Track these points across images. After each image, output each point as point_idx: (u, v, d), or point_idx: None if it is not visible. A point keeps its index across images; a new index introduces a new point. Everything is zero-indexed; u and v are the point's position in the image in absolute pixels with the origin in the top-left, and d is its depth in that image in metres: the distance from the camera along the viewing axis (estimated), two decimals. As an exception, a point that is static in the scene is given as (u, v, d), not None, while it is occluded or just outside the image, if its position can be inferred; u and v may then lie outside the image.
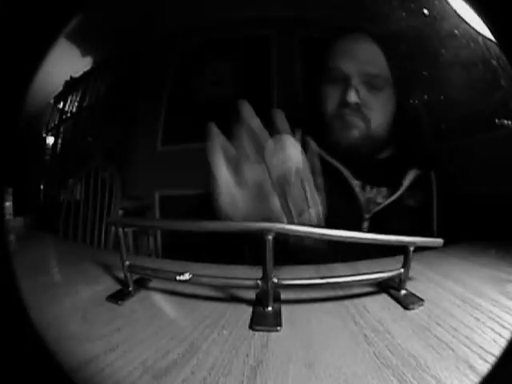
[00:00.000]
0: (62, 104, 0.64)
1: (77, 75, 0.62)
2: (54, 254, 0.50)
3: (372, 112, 0.52)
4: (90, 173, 0.66)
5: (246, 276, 0.28)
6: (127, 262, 0.30)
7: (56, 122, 0.65)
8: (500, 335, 0.22)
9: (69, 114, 0.65)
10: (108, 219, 0.31)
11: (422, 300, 0.28)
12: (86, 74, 0.63)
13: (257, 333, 0.24)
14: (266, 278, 0.26)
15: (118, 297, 0.30)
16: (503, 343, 0.21)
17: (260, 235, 0.25)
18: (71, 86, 0.63)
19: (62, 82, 0.61)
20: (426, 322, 0.25)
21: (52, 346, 0.21)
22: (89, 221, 0.63)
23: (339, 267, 0.37)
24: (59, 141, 0.66)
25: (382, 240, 0.28)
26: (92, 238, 0.64)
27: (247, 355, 0.21)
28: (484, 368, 0.19)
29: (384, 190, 0.54)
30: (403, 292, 0.29)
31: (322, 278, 0.28)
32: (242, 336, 0.24)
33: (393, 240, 0.28)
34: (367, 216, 0.52)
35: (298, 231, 0.27)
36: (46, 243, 0.55)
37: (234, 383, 0.19)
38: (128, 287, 0.31)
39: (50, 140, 0.65)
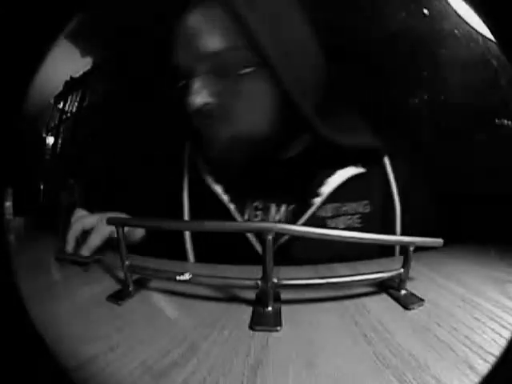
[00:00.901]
0: (62, 104, 0.64)
1: (77, 75, 0.62)
2: (53, 254, 0.50)
3: (235, 107, 0.35)
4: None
5: (245, 276, 0.28)
6: (127, 262, 0.30)
7: (56, 122, 0.65)
8: (500, 335, 0.22)
9: (69, 114, 0.65)
10: (108, 219, 0.31)
11: (422, 300, 0.28)
12: (85, 74, 0.63)
13: (257, 333, 0.24)
14: (266, 278, 0.26)
15: (118, 297, 0.30)
16: (503, 343, 0.21)
17: (260, 235, 0.25)
18: (71, 85, 0.63)
19: (62, 82, 0.61)
20: (425, 321, 0.25)
21: (52, 346, 0.21)
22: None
23: (339, 267, 0.37)
24: (59, 141, 0.65)
25: (382, 240, 0.28)
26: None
27: (247, 355, 0.21)
28: (484, 368, 0.19)
29: (294, 207, 0.37)
30: (403, 292, 0.29)
31: (321, 278, 0.28)
32: (242, 336, 0.24)
33: (393, 240, 0.28)
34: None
35: (298, 231, 0.27)
36: (46, 243, 0.55)
37: (233, 383, 0.19)
38: (128, 287, 0.31)
39: (50, 140, 0.65)
